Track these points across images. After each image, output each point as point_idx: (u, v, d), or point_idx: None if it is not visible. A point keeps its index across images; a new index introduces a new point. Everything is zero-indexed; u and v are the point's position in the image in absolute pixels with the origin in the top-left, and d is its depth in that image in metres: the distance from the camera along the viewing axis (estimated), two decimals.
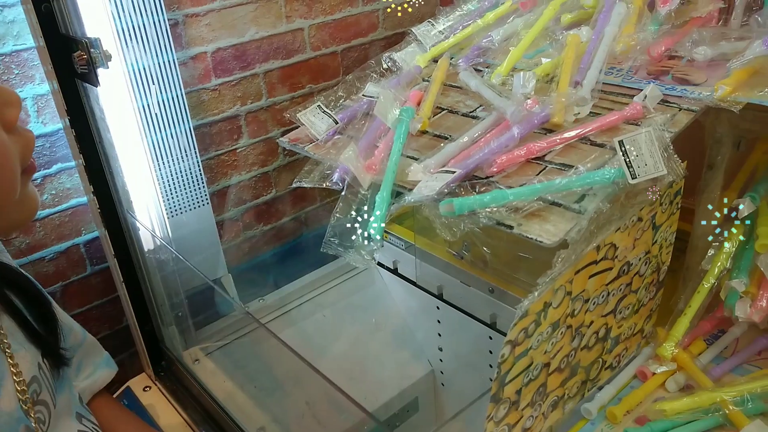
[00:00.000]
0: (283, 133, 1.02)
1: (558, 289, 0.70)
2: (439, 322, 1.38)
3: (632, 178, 0.69)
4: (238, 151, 1.42)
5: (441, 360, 1.43)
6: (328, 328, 1.44)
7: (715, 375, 0.89)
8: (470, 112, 0.94)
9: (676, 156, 0.72)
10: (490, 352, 1.27)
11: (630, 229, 0.78)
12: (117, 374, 0.94)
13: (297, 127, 1.00)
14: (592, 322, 0.80)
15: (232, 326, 1.32)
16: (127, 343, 1.35)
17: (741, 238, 0.92)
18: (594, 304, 0.79)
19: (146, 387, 1.29)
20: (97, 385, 0.91)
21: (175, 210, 1.26)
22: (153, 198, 1.21)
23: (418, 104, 0.98)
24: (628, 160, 0.69)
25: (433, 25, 1.17)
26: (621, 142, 0.69)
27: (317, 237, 1.64)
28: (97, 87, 1.00)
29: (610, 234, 0.75)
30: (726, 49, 0.89)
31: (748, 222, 0.93)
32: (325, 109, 0.98)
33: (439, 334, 1.40)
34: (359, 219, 0.81)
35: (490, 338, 1.25)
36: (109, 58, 0.99)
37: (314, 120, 0.97)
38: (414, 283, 1.41)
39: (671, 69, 0.91)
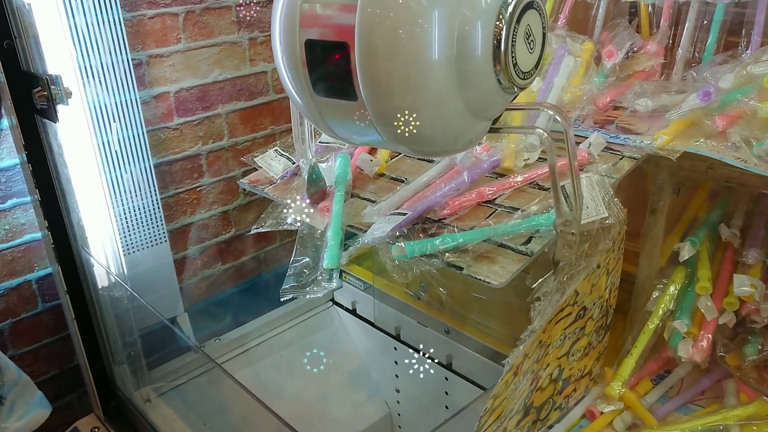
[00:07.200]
0: (245, 173, 1.03)
1: (536, 341, 0.72)
2: (396, 363, 1.38)
3: None
4: (198, 189, 1.42)
5: (398, 402, 1.43)
6: (284, 369, 1.43)
7: (660, 414, 0.92)
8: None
9: (617, 200, 0.76)
10: (446, 394, 1.28)
11: (590, 276, 0.80)
12: (65, 414, 0.92)
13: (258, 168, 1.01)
14: (548, 365, 0.82)
15: (187, 366, 1.30)
16: (76, 383, 1.32)
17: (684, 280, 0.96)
18: (552, 347, 0.81)
19: (95, 428, 1.26)
20: (31, 425, 0.89)
21: (132, 247, 1.25)
22: (109, 234, 1.20)
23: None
24: (570, 203, 0.72)
25: None
26: (563, 187, 0.72)
27: (276, 276, 1.64)
28: (56, 123, 1.01)
29: (581, 283, 0.77)
30: (666, 101, 0.95)
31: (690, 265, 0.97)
32: (282, 152, 1.00)
33: (397, 375, 1.40)
34: (315, 258, 0.82)
35: (446, 379, 1.26)
36: (69, 95, 0.99)
37: (271, 163, 0.99)
38: (372, 324, 1.41)
39: (616, 119, 0.96)
